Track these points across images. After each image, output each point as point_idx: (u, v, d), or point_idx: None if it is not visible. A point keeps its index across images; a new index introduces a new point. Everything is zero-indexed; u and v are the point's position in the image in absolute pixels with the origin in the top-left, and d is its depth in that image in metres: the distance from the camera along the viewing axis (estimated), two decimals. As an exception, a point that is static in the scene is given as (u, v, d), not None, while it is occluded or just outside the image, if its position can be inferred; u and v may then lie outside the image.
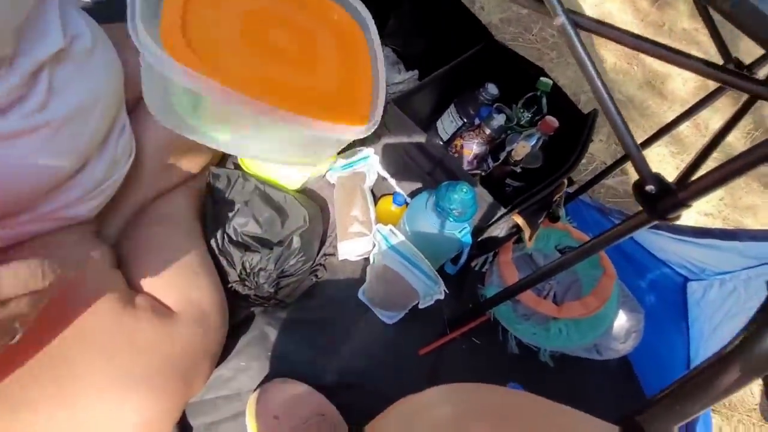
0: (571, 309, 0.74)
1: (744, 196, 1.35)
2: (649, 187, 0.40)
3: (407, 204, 0.80)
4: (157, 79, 0.50)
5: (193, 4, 0.49)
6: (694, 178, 0.41)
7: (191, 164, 0.72)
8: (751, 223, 1.28)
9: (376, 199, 0.88)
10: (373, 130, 0.54)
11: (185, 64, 0.44)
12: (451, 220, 0.63)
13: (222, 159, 0.84)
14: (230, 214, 0.69)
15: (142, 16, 0.43)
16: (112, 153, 0.54)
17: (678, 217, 0.41)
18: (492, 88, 0.91)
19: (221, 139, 0.58)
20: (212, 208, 0.70)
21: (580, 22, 0.39)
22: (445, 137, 1.00)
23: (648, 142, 0.79)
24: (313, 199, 0.85)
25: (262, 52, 0.53)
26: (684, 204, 0.39)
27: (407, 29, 1.08)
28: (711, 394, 0.22)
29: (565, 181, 0.72)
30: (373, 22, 0.63)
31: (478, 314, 0.81)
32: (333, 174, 0.87)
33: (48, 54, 0.43)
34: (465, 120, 0.95)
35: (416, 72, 0.97)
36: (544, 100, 0.87)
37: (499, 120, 0.78)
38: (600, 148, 1.30)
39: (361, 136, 0.54)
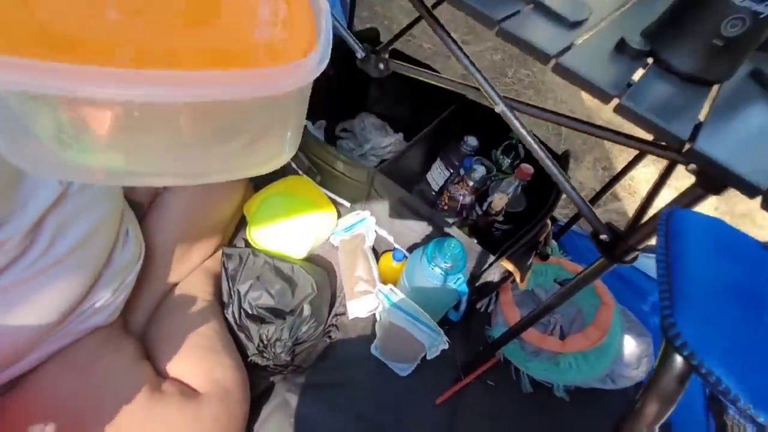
0: (575, 342, 0.77)
1: (739, 203, 1.37)
2: (603, 236, 0.46)
3: (406, 257, 0.86)
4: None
5: None
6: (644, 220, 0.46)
7: (204, 249, 0.80)
8: (748, 230, 1.29)
9: (378, 256, 0.94)
10: (327, 62, 0.30)
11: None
12: (445, 273, 0.68)
13: (232, 238, 0.93)
14: (244, 290, 0.76)
15: None
16: (118, 263, 0.57)
17: (635, 258, 0.46)
18: (472, 140, 0.99)
19: (122, 168, 0.36)
20: (228, 286, 0.77)
21: (516, 107, 0.46)
22: (436, 187, 1.08)
23: (634, 161, 0.81)
24: (320, 263, 0.92)
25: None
26: (635, 248, 0.44)
27: (390, 95, 1.20)
28: (644, 422, 0.27)
29: (548, 221, 0.77)
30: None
31: (488, 356, 0.83)
32: (336, 237, 0.94)
33: (46, 205, 0.42)
34: (451, 171, 1.03)
35: (401, 134, 1.07)
36: (520, 147, 0.95)
37: (479, 171, 0.86)
38: (588, 176, 1.36)
39: (315, 75, 0.30)
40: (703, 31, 0.33)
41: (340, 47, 0.63)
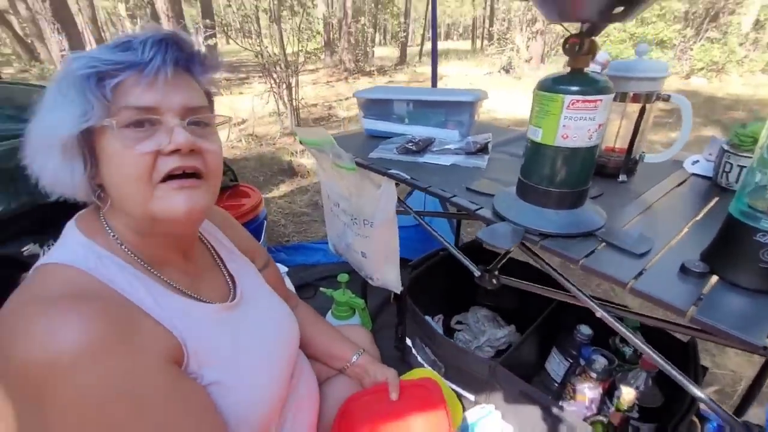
0: None
1: None
2: (744, 437, 0.46)
3: (540, 461, 0.82)
4: None
5: None
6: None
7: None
8: None
9: (508, 457, 0.91)
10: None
11: None
12: (586, 479, 0.65)
13: None
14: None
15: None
16: None
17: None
18: (585, 329, 1.03)
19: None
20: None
21: (615, 312, 0.56)
22: (558, 378, 1.06)
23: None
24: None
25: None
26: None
27: (498, 288, 1.35)
28: None
29: (695, 419, 0.71)
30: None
31: None
32: (462, 433, 0.95)
33: None
34: (570, 361, 1.04)
35: (513, 326, 1.16)
36: (639, 335, 0.95)
37: (600, 363, 0.87)
38: (740, 362, 1.18)
39: None
40: (749, 260, 0.43)
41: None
